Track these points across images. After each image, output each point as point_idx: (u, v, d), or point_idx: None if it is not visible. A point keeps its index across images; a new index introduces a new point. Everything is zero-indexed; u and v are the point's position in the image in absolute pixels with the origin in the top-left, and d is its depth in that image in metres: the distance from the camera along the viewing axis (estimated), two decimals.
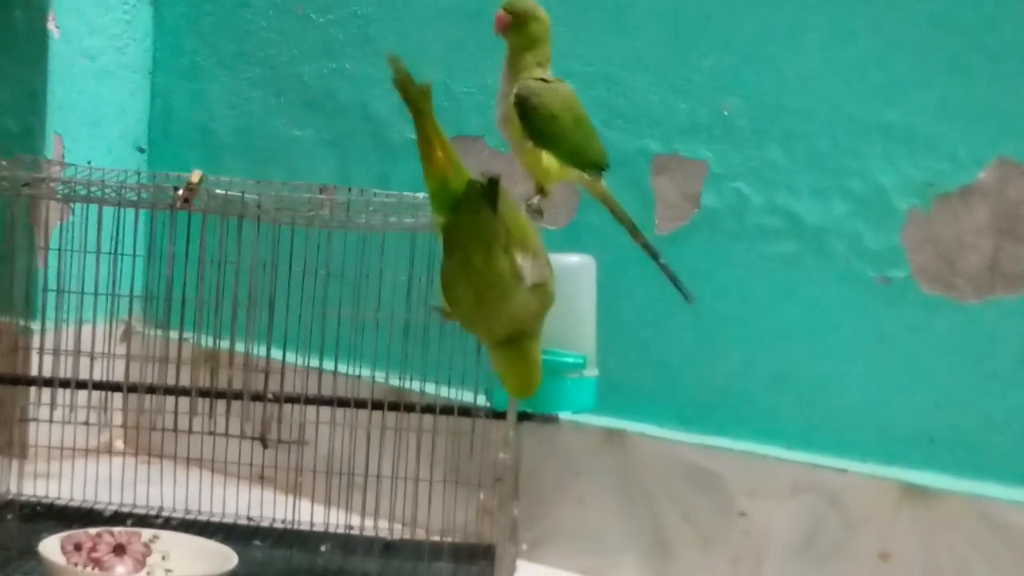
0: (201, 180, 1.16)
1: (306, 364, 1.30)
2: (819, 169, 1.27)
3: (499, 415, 1.22)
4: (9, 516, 1.31)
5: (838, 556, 1.22)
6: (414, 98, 1.00)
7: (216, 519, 1.35)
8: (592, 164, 1.23)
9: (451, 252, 1.00)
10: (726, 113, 1.32)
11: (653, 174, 1.36)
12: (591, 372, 1.20)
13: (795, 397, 1.28)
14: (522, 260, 0.99)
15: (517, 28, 1.19)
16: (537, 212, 1.20)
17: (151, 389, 1.27)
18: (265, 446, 1.32)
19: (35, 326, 1.34)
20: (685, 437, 1.31)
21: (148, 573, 1.16)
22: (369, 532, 1.33)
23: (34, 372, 1.32)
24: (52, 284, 1.30)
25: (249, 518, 1.36)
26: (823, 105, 1.27)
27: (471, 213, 0.99)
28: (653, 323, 1.35)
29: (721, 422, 1.31)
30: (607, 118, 1.38)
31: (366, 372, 1.30)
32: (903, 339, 1.23)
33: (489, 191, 0.98)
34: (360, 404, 1.28)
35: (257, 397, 1.27)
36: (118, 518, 1.33)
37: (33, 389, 1.31)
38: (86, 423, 1.30)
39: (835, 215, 1.26)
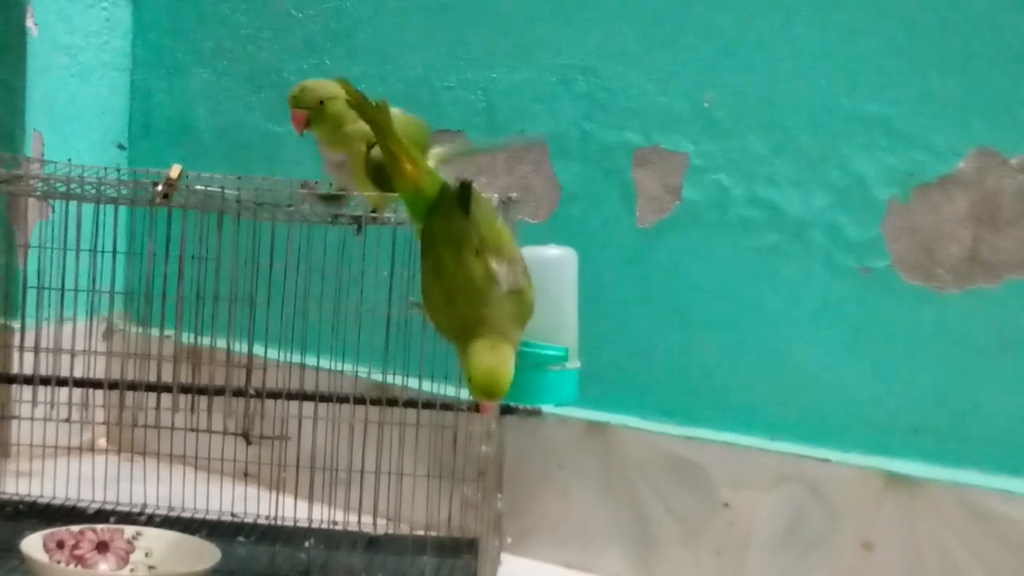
0: (180, 175, 1.15)
1: (288, 359, 1.30)
2: (799, 160, 1.27)
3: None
4: None
5: (821, 546, 1.22)
6: (372, 116, 1.00)
7: (199, 515, 1.35)
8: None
9: (425, 255, 1.00)
10: (706, 105, 1.32)
11: (634, 167, 1.36)
12: (573, 364, 1.20)
13: (777, 388, 1.28)
14: (496, 265, 0.98)
15: (318, 119, 1.11)
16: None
17: (133, 386, 1.27)
18: (248, 442, 1.32)
19: (15, 324, 1.33)
20: (668, 429, 1.31)
21: (131, 570, 1.16)
22: (353, 527, 1.33)
23: (15, 370, 1.32)
24: (32, 281, 1.30)
25: (232, 514, 1.35)
26: (803, 96, 1.27)
27: (443, 216, 0.99)
28: (635, 315, 1.35)
29: (704, 413, 1.31)
30: (588, 111, 1.38)
31: (348, 367, 1.30)
32: (884, 329, 1.23)
33: (461, 195, 0.98)
34: (343, 399, 1.28)
35: (239, 393, 1.26)
36: (101, 515, 1.32)
37: (14, 387, 1.31)
38: (68, 420, 1.30)
39: (816, 206, 1.26)
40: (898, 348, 1.23)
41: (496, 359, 0.94)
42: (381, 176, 1.13)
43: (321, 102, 1.11)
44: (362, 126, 1.11)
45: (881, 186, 1.23)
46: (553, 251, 1.20)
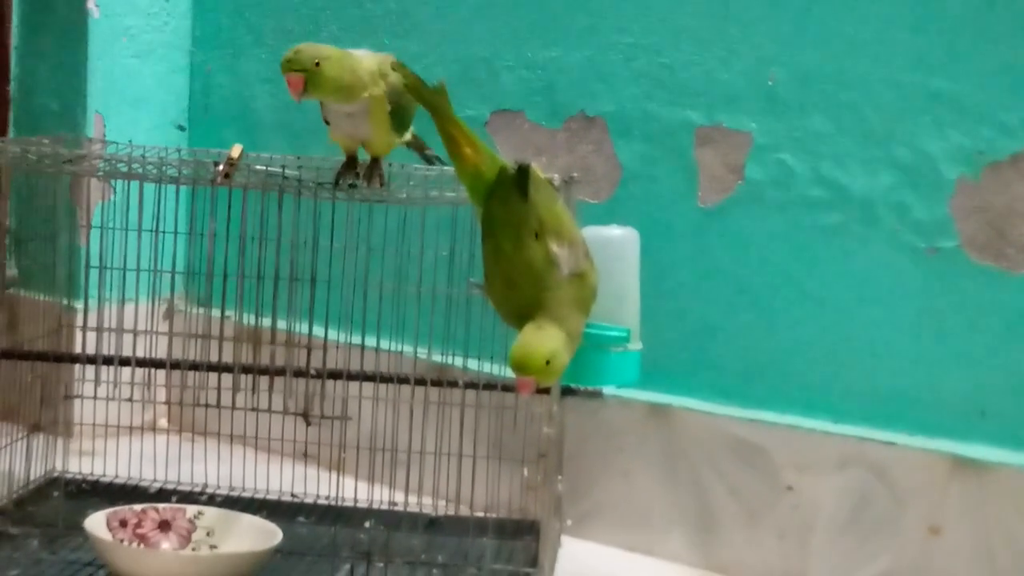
0: (241, 155, 1.15)
1: (348, 340, 1.30)
2: (865, 139, 1.25)
3: (543, 390, 1.21)
4: (55, 493, 1.31)
5: (887, 530, 1.20)
6: (429, 100, 0.99)
7: (260, 495, 1.36)
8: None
9: (485, 238, 1.00)
10: (771, 83, 1.30)
11: (696, 146, 1.34)
12: (635, 346, 1.18)
13: (842, 369, 1.26)
14: (557, 248, 0.97)
15: (314, 81, 1.06)
16: (380, 176, 1.16)
17: (194, 366, 1.27)
18: (308, 423, 1.32)
19: (78, 304, 1.34)
20: (730, 411, 1.30)
21: (193, 549, 1.17)
22: (413, 508, 1.33)
23: (78, 350, 1.32)
24: (94, 262, 1.30)
25: (293, 494, 1.36)
26: (869, 73, 1.25)
27: (501, 200, 0.98)
28: (697, 296, 1.34)
29: (767, 395, 1.30)
30: (649, 89, 1.36)
31: (408, 348, 1.30)
32: (952, 310, 1.21)
33: (519, 178, 0.97)
34: (403, 380, 1.27)
35: (300, 373, 1.26)
36: (163, 495, 1.33)
37: (77, 367, 1.32)
38: (130, 400, 1.30)
39: (882, 185, 1.24)
40: (966, 330, 1.21)
41: (536, 337, 0.94)
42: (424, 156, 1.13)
43: (317, 63, 1.06)
44: (368, 68, 1.09)
45: (950, 164, 1.21)
46: (615, 231, 1.18)
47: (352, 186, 1.16)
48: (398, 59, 1.10)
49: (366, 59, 1.12)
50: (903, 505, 1.20)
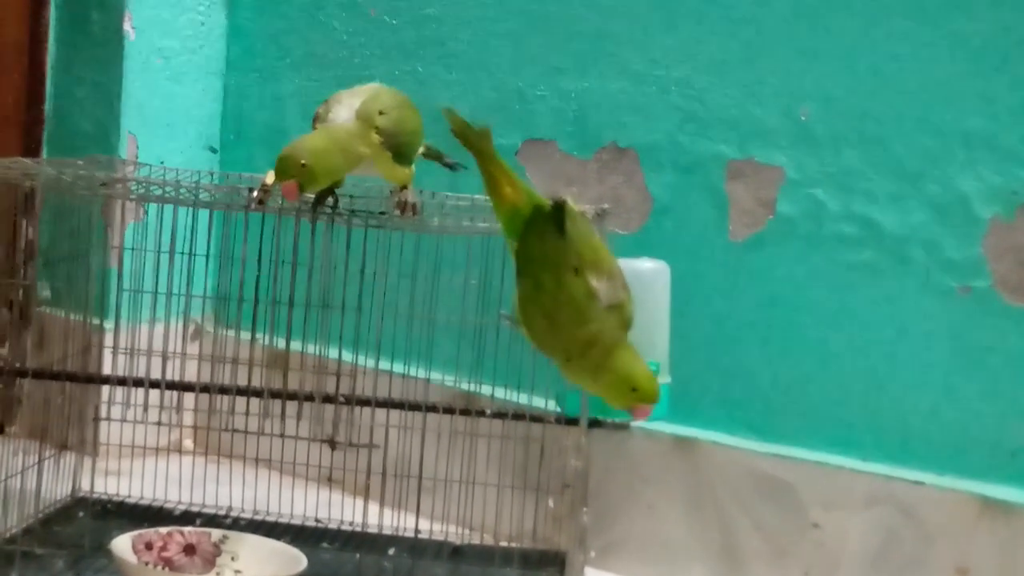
0: (275, 181, 1.15)
1: (377, 367, 1.30)
2: (898, 176, 1.25)
3: (570, 421, 1.21)
4: (81, 513, 1.32)
5: (914, 570, 1.19)
6: (475, 144, 0.99)
7: (284, 520, 1.35)
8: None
9: (522, 276, 1.00)
10: (803, 119, 1.30)
11: (728, 179, 1.34)
12: (663, 379, 1.18)
13: (871, 407, 1.26)
14: (596, 282, 0.97)
15: (309, 180, 1.06)
16: (412, 205, 1.17)
17: (223, 390, 1.27)
18: (333, 448, 1.32)
19: (108, 325, 1.34)
20: (757, 446, 1.29)
21: (217, 573, 1.17)
22: (438, 536, 1.33)
23: (107, 371, 1.33)
24: (125, 284, 1.31)
25: (317, 520, 1.36)
26: (903, 110, 1.25)
27: (538, 237, 0.98)
28: (726, 330, 1.33)
29: (794, 431, 1.29)
30: (681, 122, 1.37)
31: (437, 376, 1.30)
32: (984, 350, 1.20)
33: (556, 215, 0.98)
34: (431, 408, 1.27)
35: (328, 399, 1.26)
36: (187, 517, 1.33)
37: (106, 388, 1.32)
38: (158, 423, 1.30)
39: (915, 223, 1.24)
40: (997, 370, 1.20)
41: (645, 364, 0.97)
42: (396, 146, 1.12)
43: (303, 164, 1.05)
44: (355, 133, 1.09)
45: (983, 203, 1.21)
46: (646, 264, 1.19)
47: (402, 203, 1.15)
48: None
49: (348, 126, 1.10)
50: (931, 545, 1.19)
